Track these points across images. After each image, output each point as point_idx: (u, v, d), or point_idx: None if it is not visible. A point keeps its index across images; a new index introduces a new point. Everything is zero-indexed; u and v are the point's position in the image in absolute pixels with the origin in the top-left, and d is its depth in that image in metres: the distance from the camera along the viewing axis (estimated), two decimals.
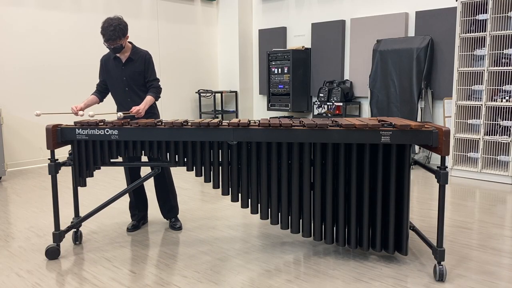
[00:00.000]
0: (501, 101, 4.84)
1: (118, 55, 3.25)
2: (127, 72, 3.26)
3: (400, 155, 2.66)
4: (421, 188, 4.67)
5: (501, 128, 4.90)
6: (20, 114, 5.87)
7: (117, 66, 3.27)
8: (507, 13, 4.79)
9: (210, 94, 7.78)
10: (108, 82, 3.35)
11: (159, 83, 3.37)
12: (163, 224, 3.56)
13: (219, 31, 8.07)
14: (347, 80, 6.55)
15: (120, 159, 2.97)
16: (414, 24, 5.88)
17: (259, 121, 2.80)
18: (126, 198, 4.24)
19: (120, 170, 5.66)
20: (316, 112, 6.60)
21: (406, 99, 5.67)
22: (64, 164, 2.89)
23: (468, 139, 5.13)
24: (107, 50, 3.27)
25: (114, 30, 3.04)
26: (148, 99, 3.22)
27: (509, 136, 4.79)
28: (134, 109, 3.13)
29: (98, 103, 3.42)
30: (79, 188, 4.62)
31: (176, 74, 7.59)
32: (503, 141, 4.84)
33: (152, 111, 3.36)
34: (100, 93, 3.41)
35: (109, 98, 3.45)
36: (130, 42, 3.29)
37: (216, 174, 2.88)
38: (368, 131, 2.58)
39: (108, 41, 3.08)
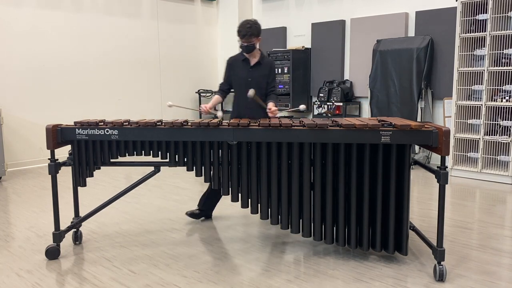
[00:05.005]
0: (501, 101, 4.84)
1: (247, 56, 3.44)
2: (254, 74, 3.45)
3: (400, 155, 2.66)
4: (421, 188, 4.67)
5: (501, 128, 4.90)
6: (20, 114, 5.87)
7: (245, 68, 3.47)
8: (507, 13, 4.79)
9: (210, 94, 7.78)
10: (232, 81, 3.54)
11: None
12: (163, 224, 3.56)
13: (219, 31, 8.07)
14: (347, 80, 6.55)
15: (120, 159, 2.97)
16: (414, 24, 5.88)
17: (259, 121, 2.81)
18: (126, 198, 4.24)
19: (120, 170, 5.67)
20: (316, 112, 6.60)
21: (406, 99, 5.66)
22: (64, 164, 2.89)
23: (468, 139, 5.13)
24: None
25: (250, 27, 3.29)
26: (274, 103, 3.43)
27: (509, 136, 4.79)
28: (272, 107, 3.33)
29: (221, 102, 3.63)
30: (79, 188, 4.61)
31: (176, 74, 7.59)
32: (503, 141, 4.83)
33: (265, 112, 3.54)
34: (223, 93, 3.59)
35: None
36: (259, 49, 3.50)
37: (216, 174, 2.88)
38: (368, 131, 2.57)
39: (244, 37, 3.30)
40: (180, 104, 3.27)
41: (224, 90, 3.59)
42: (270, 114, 3.34)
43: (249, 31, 3.28)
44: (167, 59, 7.43)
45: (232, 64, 3.53)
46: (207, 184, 4.76)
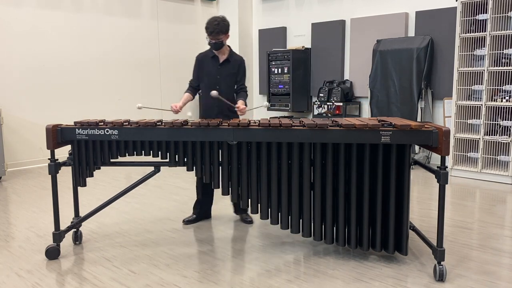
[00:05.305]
0: (501, 101, 4.84)
1: (216, 53, 3.43)
2: (222, 71, 3.45)
3: (400, 155, 2.66)
4: (421, 188, 4.67)
5: (501, 128, 4.90)
6: (20, 114, 5.87)
7: (213, 65, 3.46)
8: (507, 13, 4.79)
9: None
10: (201, 78, 3.52)
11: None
12: (163, 224, 3.56)
13: None
14: (347, 80, 6.55)
15: (120, 159, 2.97)
16: (414, 24, 5.88)
17: (259, 121, 2.81)
18: (126, 198, 4.24)
19: (120, 170, 5.67)
20: (316, 112, 6.60)
21: (406, 99, 5.66)
22: (64, 164, 2.89)
23: (468, 139, 5.12)
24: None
25: (218, 24, 3.26)
26: (243, 102, 3.42)
27: (509, 136, 4.79)
28: (241, 105, 3.33)
29: (192, 100, 3.58)
30: (79, 188, 4.61)
31: (176, 74, 7.59)
32: (503, 141, 4.83)
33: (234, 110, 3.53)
34: (193, 90, 3.58)
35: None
36: (228, 46, 3.47)
37: (216, 174, 2.88)
38: (368, 131, 2.57)
39: (211, 34, 3.27)
40: (152, 106, 3.29)
41: (194, 87, 3.56)
42: (239, 113, 3.34)
43: (216, 28, 3.25)
44: (167, 59, 7.43)
45: (201, 60, 3.51)
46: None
